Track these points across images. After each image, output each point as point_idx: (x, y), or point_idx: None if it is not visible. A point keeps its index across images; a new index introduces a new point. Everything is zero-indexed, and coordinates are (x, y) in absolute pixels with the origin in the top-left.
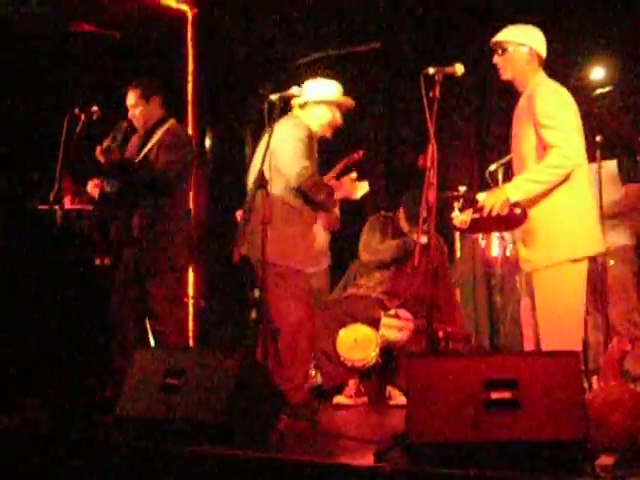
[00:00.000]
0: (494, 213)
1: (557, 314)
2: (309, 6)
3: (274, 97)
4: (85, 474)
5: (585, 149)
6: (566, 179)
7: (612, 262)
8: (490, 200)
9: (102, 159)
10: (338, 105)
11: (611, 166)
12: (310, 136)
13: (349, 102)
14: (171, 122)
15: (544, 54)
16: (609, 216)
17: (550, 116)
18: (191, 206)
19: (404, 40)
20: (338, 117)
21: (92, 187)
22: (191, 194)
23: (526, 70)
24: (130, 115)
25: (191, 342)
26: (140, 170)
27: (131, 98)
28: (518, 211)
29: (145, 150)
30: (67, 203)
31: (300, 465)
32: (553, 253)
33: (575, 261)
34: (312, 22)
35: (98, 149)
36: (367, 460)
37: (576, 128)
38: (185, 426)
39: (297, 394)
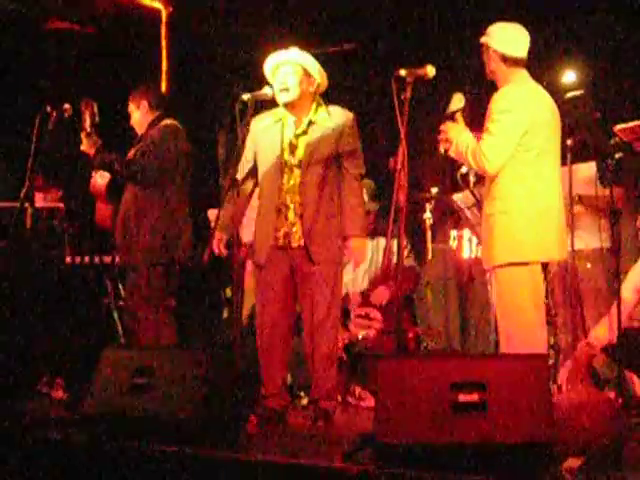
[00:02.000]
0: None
1: (507, 314)
2: (284, 5)
3: (246, 97)
4: (50, 473)
5: (554, 153)
6: (522, 181)
7: (589, 265)
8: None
9: (88, 149)
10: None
11: (587, 169)
12: None
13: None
14: (163, 122)
15: (513, 53)
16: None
17: (490, 118)
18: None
19: (378, 42)
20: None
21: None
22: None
23: (497, 70)
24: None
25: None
26: (119, 164)
27: (129, 109)
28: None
29: (137, 147)
30: (38, 201)
31: (268, 465)
32: (501, 254)
33: (523, 264)
34: (287, 22)
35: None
36: (335, 461)
37: (508, 136)
38: (153, 425)
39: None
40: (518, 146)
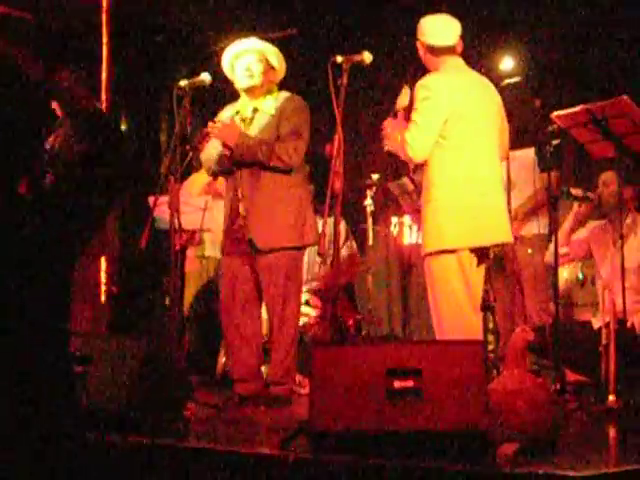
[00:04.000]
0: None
1: (438, 301)
2: None
3: (183, 83)
4: None
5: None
6: (446, 170)
7: (530, 251)
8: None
9: None
10: None
11: (525, 155)
12: None
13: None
14: None
15: (437, 42)
16: (525, 214)
17: (413, 107)
18: None
19: (319, 27)
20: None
21: None
22: None
23: (427, 62)
24: None
25: (102, 328)
26: None
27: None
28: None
29: (57, 135)
30: None
31: (204, 453)
32: (429, 242)
33: (451, 251)
34: (229, 8)
35: None
36: (272, 448)
37: (429, 123)
38: (90, 414)
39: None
40: (440, 135)
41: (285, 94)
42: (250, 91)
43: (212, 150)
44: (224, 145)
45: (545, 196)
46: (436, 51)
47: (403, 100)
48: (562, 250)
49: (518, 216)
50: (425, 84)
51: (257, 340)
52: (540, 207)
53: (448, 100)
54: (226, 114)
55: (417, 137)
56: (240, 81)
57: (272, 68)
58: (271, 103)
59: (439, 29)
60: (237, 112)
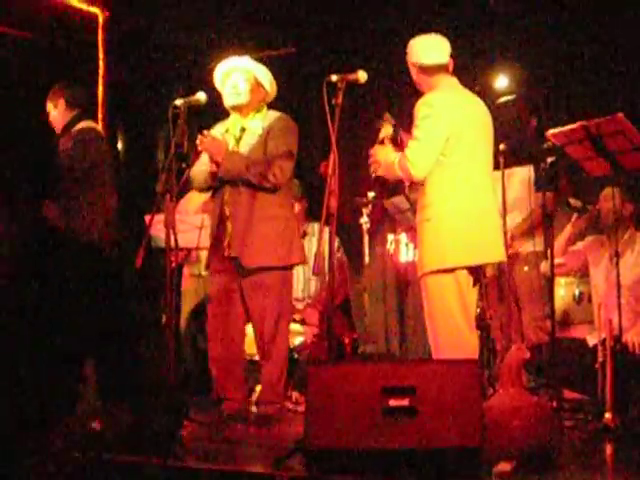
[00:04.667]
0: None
1: (435, 320)
2: (223, 10)
3: (179, 102)
4: None
5: (483, 156)
6: (445, 188)
7: (526, 268)
8: (380, 156)
9: None
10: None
11: (522, 172)
12: None
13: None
14: (82, 124)
15: (428, 61)
16: (521, 234)
17: (414, 125)
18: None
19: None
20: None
21: None
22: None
23: (420, 82)
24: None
25: None
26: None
27: (47, 107)
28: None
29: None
30: None
31: (199, 472)
32: (427, 262)
33: (449, 271)
34: (227, 26)
35: None
36: (266, 467)
37: (429, 142)
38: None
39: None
40: (440, 153)
41: (273, 113)
42: (237, 109)
43: (201, 167)
44: (211, 160)
45: (540, 215)
46: (429, 70)
47: (387, 129)
48: (558, 260)
49: (515, 236)
50: (427, 102)
51: (241, 358)
52: (536, 226)
53: (450, 118)
54: (216, 131)
55: (419, 154)
56: (227, 99)
57: (261, 88)
58: (259, 123)
59: (430, 48)
60: (227, 130)
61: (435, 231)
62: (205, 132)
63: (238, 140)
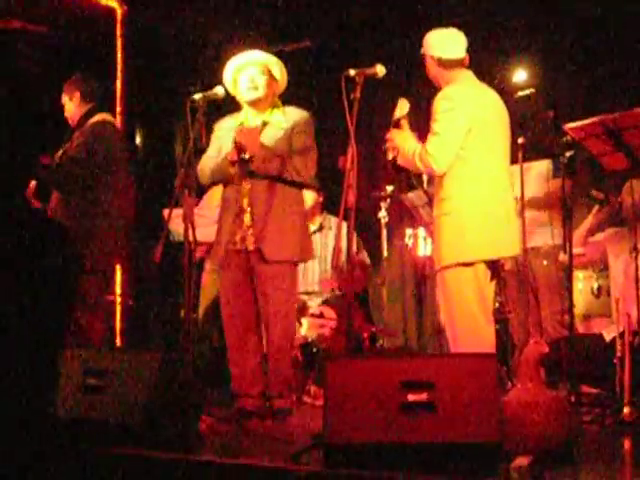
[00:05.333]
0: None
1: (453, 314)
2: (240, 4)
3: (197, 97)
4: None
5: (501, 151)
6: (466, 181)
7: (545, 262)
8: (398, 141)
9: None
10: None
11: (539, 166)
12: None
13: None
14: (97, 117)
15: (448, 55)
16: (535, 207)
17: (433, 119)
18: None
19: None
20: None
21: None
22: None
23: (437, 75)
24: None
25: (118, 341)
26: (43, 173)
27: (63, 100)
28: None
29: (65, 147)
30: None
31: (217, 466)
32: (447, 256)
33: (468, 264)
34: (244, 20)
35: None
36: (284, 461)
37: (451, 135)
38: (105, 427)
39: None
40: (460, 146)
41: (292, 108)
42: (255, 104)
43: (207, 160)
44: (239, 153)
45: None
46: (447, 64)
47: (402, 110)
48: (578, 250)
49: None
50: (446, 95)
51: (259, 353)
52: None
53: (469, 112)
54: (227, 125)
55: (440, 148)
56: (244, 94)
57: (275, 80)
58: (281, 117)
59: (449, 42)
60: (241, 123)
61: (454, 225)
62: (242, 125)
63: (259, 133)
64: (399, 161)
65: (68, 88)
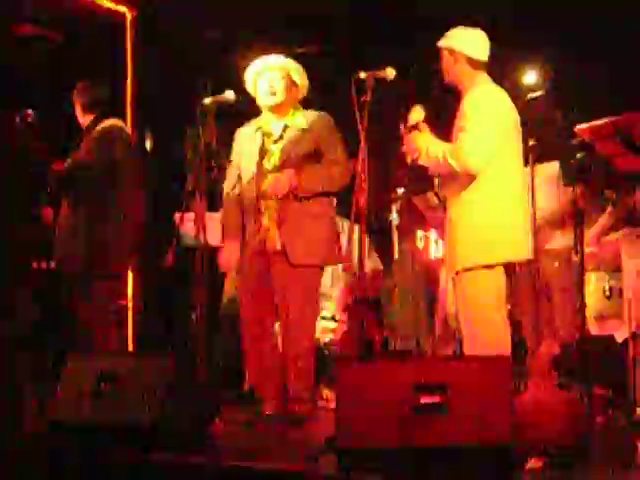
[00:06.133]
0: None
1: (471, 317)
2: (251, 7)
3: (207, 101)
4: None
5: (519, 153)
6: (484, 184)
7: (557, 264)
8: (420, 143)
9: None
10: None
11: (549, 168)
12: None
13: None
14: (105, 123)
15: (478, 56)
16: (550, 223)
17: (465, 118)
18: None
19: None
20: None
21: None
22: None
23: (458, 73)
24: None
25: (130, 346)
26: (52, 179)
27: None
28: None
29: (74, 153)
30: None
31: (231, 469)
32: (465, 258)
33: (489, 267)
34: (254, 24)
35: None
36: (298, 465)
37: (489, 135)
38: (116, 431)
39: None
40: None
41: (314, 112)
42: (275, 109)
43: (229, 204)
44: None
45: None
46: (476, 64)
47: (417, 116)
48: (591, 250)
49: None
50: (480, 95)
51: (275, 357)
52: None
53: (499, 113)
54: (246, 131)
55: (476, 146)
56: (263, 99)
57: (295, 84)
58: (301, 119)
59: (480, 43)
60: (259, 128)
61: (474, 227)
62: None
63: (280, 137)
64: (422, 161)
65: (74, 97)
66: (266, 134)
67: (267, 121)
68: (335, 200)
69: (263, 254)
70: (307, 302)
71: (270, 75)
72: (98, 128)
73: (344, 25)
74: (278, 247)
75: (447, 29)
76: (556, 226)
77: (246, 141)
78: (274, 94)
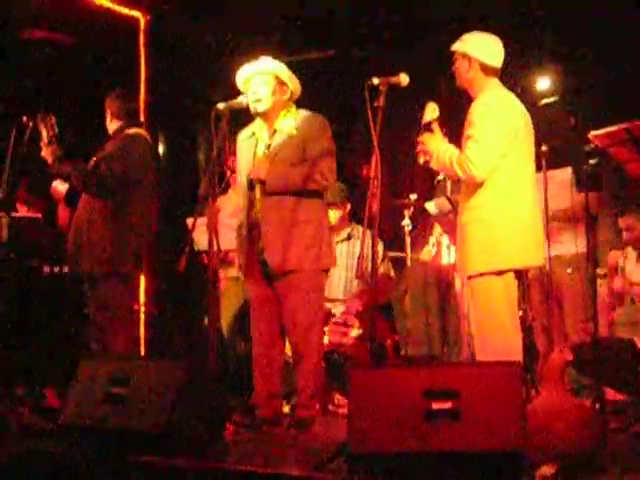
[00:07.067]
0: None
1: (483, 322)
2: (262, 12)
3: (221, 106)
4: None
5: (530, 158)
6: (497, 189)
7: (569, 270)
8: (431, 146)
9: (47, 157)
10: None
11: (562, 174)
12: None
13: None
14: (130, 131)
15: (491, 62)
16: (557, 219)
17: (472, 125)
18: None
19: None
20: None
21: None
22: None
23: (470, 78)
24: None
25: (142, 350)
26: (75, 177)
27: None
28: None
29: (97, 155)
30: (20, 212)
31: (241, 474)
32: (476, 263)
33: (500, 273)
34: (266, 29)
35: (43, 150)
36: (307, 470)
37: (496, 143)
38: (128, 435)
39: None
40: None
41: (304, 113)
42: (262, 115)
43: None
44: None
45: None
46: (488, 70)
47: (431, 114)
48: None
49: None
50: (487, 102)
51: (279, 364)
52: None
53: (508, 119)
54: (243, 137)
55: (481, 154)
56: (252, 107)
57: (285, 87)
58: (291, 122)
59: (494, 49)
60: (253, 134)
61: (486, 233)
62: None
63: (270, 144)
64: (432, 165)
65: (105, 104)
66: (259, 140)
67: (260, 126)
68: (341, 207)
69: (263, 262)
70: (310, 309)
71: (254, 81)
72: (124, 134)
73: (357, 29)
74: (265, 259)
75: (460, 33)
76: (565, 223)
77: (243, 149)
78: (259, 101)
